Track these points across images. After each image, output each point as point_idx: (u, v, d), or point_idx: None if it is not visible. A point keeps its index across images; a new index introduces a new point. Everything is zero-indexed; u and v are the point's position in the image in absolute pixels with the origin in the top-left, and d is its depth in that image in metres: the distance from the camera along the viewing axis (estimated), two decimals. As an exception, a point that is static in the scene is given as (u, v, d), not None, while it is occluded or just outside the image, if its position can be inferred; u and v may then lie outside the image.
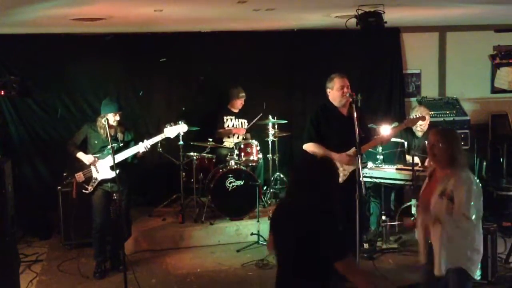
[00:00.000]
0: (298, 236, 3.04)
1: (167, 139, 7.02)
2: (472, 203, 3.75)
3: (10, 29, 6.93)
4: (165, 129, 6.06)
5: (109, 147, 5.42)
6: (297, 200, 3.13)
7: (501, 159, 7.91)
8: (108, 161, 5.61)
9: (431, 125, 6.55)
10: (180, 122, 6.16)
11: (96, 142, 5.72)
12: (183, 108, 7.91)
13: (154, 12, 5.72)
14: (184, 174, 7.09)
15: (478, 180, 3.87)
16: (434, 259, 3.84)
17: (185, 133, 6.98)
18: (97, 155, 5.69)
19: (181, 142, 6.93)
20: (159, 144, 7.05)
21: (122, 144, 5.72)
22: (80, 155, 5.68)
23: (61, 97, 7.58)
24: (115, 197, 5.37)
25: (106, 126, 5.38)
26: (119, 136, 5.74)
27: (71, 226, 6.52)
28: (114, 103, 5.69)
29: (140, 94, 7.82)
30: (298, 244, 3.05)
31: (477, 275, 3.89)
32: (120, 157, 5.60)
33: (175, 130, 6.09)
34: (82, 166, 5.69)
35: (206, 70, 7.89)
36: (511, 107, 8.64)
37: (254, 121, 7.53)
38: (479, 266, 3.90)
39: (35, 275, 5.90)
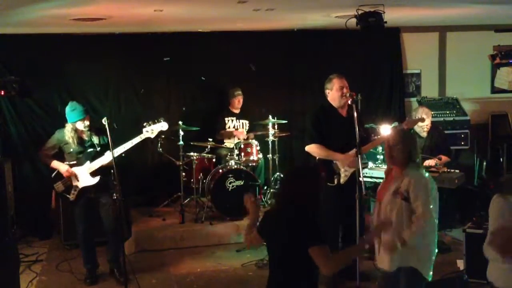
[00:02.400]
0: (285, 242, 3.25)
1: (168, 138, 7.04)
2: (431, 200, 3.77)
3: (10, 29, 6.93)
4: (143, 129, 5.63)
5: (81, 155, 5.34)
6: (284, 211, 3.34)
7: (501, 159, 7.91)
8: (85, 168, 5.41)
9: (431, 125, 6.54)
10: (160, 120, 5.72)
11: (71, 150, 5.46)
12: (183, 108, 7.92)
13: (154, 12, 5.72)
14: (184, 174, 7.09)
15: (433, 180, 3.93)
16: (381, 253, 3.89)
17: (185, 133, 7.01)
18: (74, 162, 5.45)
19: (181, 142, 6.94)
20: (159, 144, 7.06)
21: (99, 149, 5.47)
22: (55, 164, 5.46)
23: (61, 97, 7.56)
24: (115, 197, 5.23)
25: (73, 134, 5.31)
26: (94, 139, 5.49)
27: (71, 226, 6.52)
28: (77, 109, 5.40)
29: (141, 92, 7.81)
30: (285, 249, 3.26)
31: (429, 276, 3.88)
32: (99, 162, 5.40)
33: (155, 129, 5.65)
34: (60, 175, 5.47)
35: (206, 70, 7.89)
36: (511, 107, 8.64)
37: (253, 132, 7.64)
38: (431, 267, 3.89)
39: (35, 275, 5.89)
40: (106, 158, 5.38)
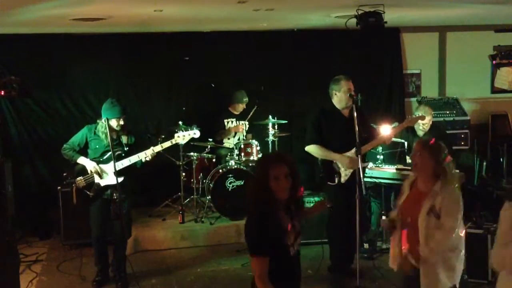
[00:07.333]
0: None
1: (167, 138, 7.02)
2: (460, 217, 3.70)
3: (10, 29, 6.93)
4: (175, 135, 5.69)
5: (110, 152, 5.21)
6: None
7: (501, 159, 7.91)
8: (111, 167, 5.24)
9: (432, 125, 6.53)
10: (193, 127, 5.81)
11: (97, 146, 5.39)
12: (183, 108, 7.91)
13: (154, 12, 5.72)
14: (184, 174, 7.09)
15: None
16: (430, 276, 3.72)
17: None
18: (100, 159, 5.39)
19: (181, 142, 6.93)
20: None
21: (127, 149, 5.42)
22: (82, 160, 5.38)
23: (61, 97, 7.58)
24: (115, 197, 5.18)
25: (107, 131, 5.15)
26: (123, 139, 5.44)
27: (71, 226, 6.53)
28: (116, 107, 5.31)
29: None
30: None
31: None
32: (125, 163, 5.33)
33: (187, 135, 5.69)
34: (83, 171, 5.41)
35: (206, 70, 7.88)
36: (511, 107, 8.63)
37: (250, 114, 7.52)
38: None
39: (35, 275, 5.90)
40: (134, 158, 5.35)
